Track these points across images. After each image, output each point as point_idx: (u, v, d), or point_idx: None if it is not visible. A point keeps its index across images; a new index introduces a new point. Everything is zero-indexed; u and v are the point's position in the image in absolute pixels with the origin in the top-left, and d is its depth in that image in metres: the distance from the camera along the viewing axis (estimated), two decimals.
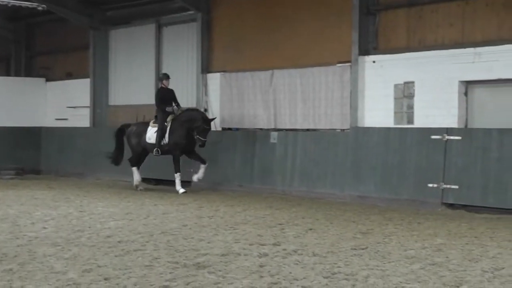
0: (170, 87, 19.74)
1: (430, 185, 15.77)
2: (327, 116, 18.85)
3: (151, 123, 19.98)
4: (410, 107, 17.28)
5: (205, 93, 21.99)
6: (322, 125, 18.94)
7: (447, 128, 15.96)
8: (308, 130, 19.17)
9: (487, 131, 15.40)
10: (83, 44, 26.01)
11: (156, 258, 9.25)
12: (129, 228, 12.18)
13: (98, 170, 23.67)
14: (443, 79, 16.57)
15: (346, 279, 8.05)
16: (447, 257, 9.52)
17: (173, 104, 19.58)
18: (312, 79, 19.24)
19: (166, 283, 7.74)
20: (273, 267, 8.73)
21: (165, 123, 19.46)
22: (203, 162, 19.22)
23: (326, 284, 7.75)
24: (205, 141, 18.88)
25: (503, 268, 8.75)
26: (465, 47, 16.33)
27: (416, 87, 17.18)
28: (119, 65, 25.14)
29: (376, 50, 18.18)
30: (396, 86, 17.52)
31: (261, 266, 8.75)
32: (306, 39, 19.47)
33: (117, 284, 7.75)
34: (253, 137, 20.15)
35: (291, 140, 19.21)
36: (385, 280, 7.97)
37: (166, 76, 20.02)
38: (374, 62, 17.97)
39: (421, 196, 16.00)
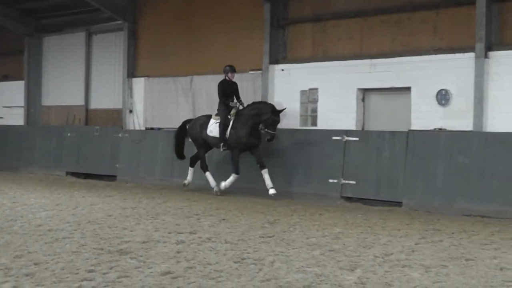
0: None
1: (331, 180, 15.94)
2: None
3: (213, 116, 17.29)
4: (314, 111, 17.52)
5: (130, 95, 21.89)
6: None
7: (346, 130, 16.16)
8: None
9: (381, 133, 15.65)
10: (19, 49, 25.65)
11: (83, 245, 9.14)
12: (58, 217, 11.98)
13: (31, 165, 23.27)
14: (343, 86, 16.83)
15: (254, 263, 8.09)
16: (344, 244, 9.64)
17: (235, 100, 16.90)
18: None
19: (91, 268, 7.65)
20: (189, 253, 8.72)
21: (228, 117, 16.77)
22: (263, 166, 16.33)
23: (236, 268, 7.78)
24: (274, 134, 16.07)
25: (392, 254, 8.91)
26: (362, 59, 16.62)
27: (319, 93, 17.43)
28: (51, 69, 24.90)
29: (285, 60, 18.36)
30: (302, 92, 17.76)
31: (178, 252, 8.73)
32: (222, 48, 19.53)
33: (46, 268, 7.63)
34: (173, 136, 20.04)
35: None
36: (289, 265, 8.03)
37: (232, 69, 17.05)
38: (283, 70, 18.15)
39: (323, 191, 16.15)
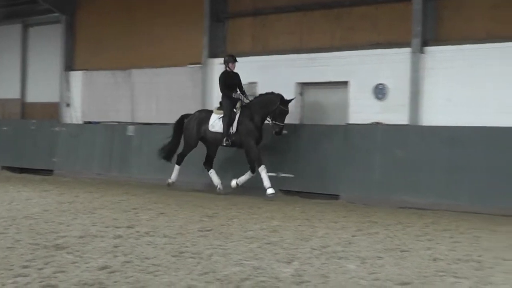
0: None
1: (269, 174, 16.02)
2: (179, 111, 18.83)
3: (214, 110, 16.31)
4: None
5: (67, 89, 21.63)
6: (174, 119, 18.88)
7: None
8: (162, 124, 19.13)
9: (319, 127, 15.85)
10: None
11: (18, 241, 9.01)
12: None
13: None
14: (282, 80, 16.87)
15: (192, 257, 8.10)
16: (281, 237, 9.71)
17: (238, 91, 15.97)
18: (167, 78, 19.28)
19: (26, 263, 7.55)
20: (127, 247, 8.68)
21: (234, 110, 15.76)
22: (259, 164, 15.23)
23: (174, 262, 7.78)
24: (283, 126, 15.18)
25: (329, 246, 9.01)
26: (302, 53, 16.72)
27: (259, 87, 17.43)
28: None
29: (225, 53, 18.32)
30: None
31: (115, 247, 8.69)
32: (161, 42, 19.47)
33: None
34: (111, 130, 19.98)
35: (146, 133, 19.17)
36: (227, 258, 8.06)
37: (233, 59, 16.12)
38: (222, 64, 18.13)
39: (261, 184, 16.16)
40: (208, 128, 16.11)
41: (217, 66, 18.17)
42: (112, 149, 19.78)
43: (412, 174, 14.34)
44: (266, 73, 17.17)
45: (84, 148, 20.32)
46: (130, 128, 19.56)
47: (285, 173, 15.78)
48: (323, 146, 15.48)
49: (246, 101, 15.82)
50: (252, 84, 17.57)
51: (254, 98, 15.82)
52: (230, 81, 15.98)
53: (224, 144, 15.77)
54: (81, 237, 9.39)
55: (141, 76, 19.92)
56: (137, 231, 9.97)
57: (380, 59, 15.57)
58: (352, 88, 16.01)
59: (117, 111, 20.30)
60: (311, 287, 6.64)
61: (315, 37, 16.94)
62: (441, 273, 7.40)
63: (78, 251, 8.37)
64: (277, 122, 15.13)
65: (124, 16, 20.50)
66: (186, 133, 16.68)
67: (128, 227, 10.38)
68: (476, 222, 12.00)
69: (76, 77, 21.56)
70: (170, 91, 19.21)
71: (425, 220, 12.02)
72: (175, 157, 16.96)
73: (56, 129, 21.11)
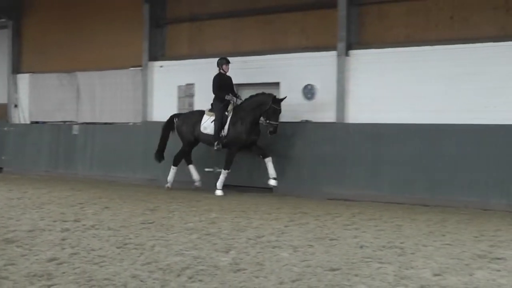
0: None
1: (207, 169, 16.00)
2: (122, 111, 18.72)
3: (206, 111, 15.44)
4: (191, 104, 17.45)
5: (15, 91, 21.20)
6: (117, 119, 18.79)
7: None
8: (105, 123, 18.94)
9: None
10: None
11: None
12: None
13: None
14: None
15: (135, 248, 8.00)
16: (219, 228, 9.68)
17: (230, 94, 15.16)
18: (109, 80, 19.05)
19: None
20: (74, 240, 8.54)
21: (225, 113, 14.99)
22: (266, 155, 14.65)
23: (119, 253, 7.68)
24: (277, 125, 14.45)
25: (264, 236, 9.01)
26: (236, 56, 16.64)
27: (196, 88, 17.38)
28: None
29: (164, 57, 18.23)
30: (179, 87, 17.66)
31: (63, 240, 8.53)
32: (104, 46, 19.21)
33: None
34: (57, 130, 19.70)
35: (90, 132, 18.97)
36: (168, 248, 7.99)
37: (226, 61, 15.31)
38: (161, 67, 18.01)
39: (200, 178, 16.15)
40: (200, 129, 15.32)
41: (157, 68, 18.05)
42: (58, 147, 19.52)
43: (340, 168, 14.47)
44: (203, 75, 17.06)
45: (32, 147, 20.03)
46: (75, 128, 19.33)
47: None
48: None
49: (238, 102, 15.11)
50: (190, 85, 17.49)
51: (245, 100, 15.04)
52: (223, 83, 15.19)
53: (215, 148, 14.93)
54: (30, 231, 9.19)
55: (86, 79, 19.63)
56: (83, 225, 9.82)
57: (309, 62, 15.63)
58: (283, 89, 16.01)
59: (63, 112, 20.00)
60: (248, 275, 6.61)
61: (248, 41, 16.94)
62: (367, 259, 7.46)
63: (27, 244, 8.20)
64: (271, 122, 14.46)
65: (69, 22, 20.17)
66: (181, 133, 15.75)
67: (75, 220, 10.21)
68: (398, 212, 12.16)
69: (24, 79, 21.14)
70: (113, 93, 18.99)
71: (352, 211, 12.13)
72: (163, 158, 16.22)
73: (5, 128, 20.74)
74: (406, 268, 6.98)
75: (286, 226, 10.00)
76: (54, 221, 10.12)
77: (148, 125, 17.83)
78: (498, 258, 7.60)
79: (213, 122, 15.01)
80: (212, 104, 15.28)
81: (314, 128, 15.15)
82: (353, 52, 15.07)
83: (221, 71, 15.26)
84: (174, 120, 15.98)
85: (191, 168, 15.83)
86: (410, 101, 14.21)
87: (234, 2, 17.21)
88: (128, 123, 18.54)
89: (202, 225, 9.96)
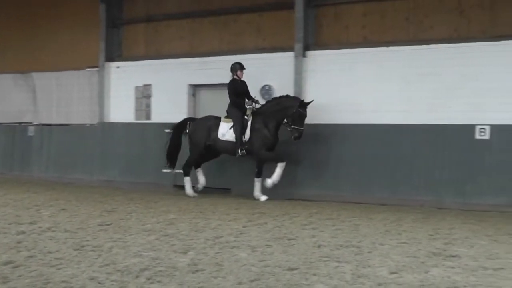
0: None
1: (165, 170, 15.96)
2: (78, 112, 18.58)
3: (222, 118, 14.59)
4: (148, 105, 17.39)
5: None
6: (74, 120, 18.64)
7: None
8: (61, 124, 18.77)
9: None
10: None
11: None
12: None
13: None
14: (175, 82, 16.82)
15: (93, 250, 7.95)
16: (177, 229, 9.66)
17: (247, 100, 14.46)
18: (66, 81, 18.89)
19: None
20: (30, 242, 8.44)
21: (245, 117, 14.21)
22: (281, 159, 13.85)
23: (76, 256, 7.62)
24: (303, 130, 13.70)
25: (222, 236, 9.02)
26: (193, 57, 16.67)
27: (153, 89, 17.32)
28: None
29: (120, 58, 18.12)
30: (136, 88, 17.57)
31: (18, 242, 8.43)
32: (61, 46, 19.04)
33: None
34: (13, 131, 19.48)
35: (46, 133, 18.79)
36: (126, 250, 7.96)
37: (241, 66, 14.61)
38: (118, 67, 17.91)
39: (157, 180, 16.16)
40: (217, 136, 14.46)
41: (113, 69, 17.95)
42: (13, 149, 19.30)
43: (297, 168, 14.54)
44: (160, 76, 17.08)
45: None
46: (31, 129, 19.12)
47: (180, 169, 15.71)
48: None
49: (258, 106, 14.40)
50: (147, 86, 17.42)
51: (267, 102, 14.36)
52: (239, 90, 14.49)
53: (240, 154, 14.04)
54: None
55: (42, 79, 19.43)
56: (40, 227, 9.71)
57: (266, 63, 15.69)
58: None
59: (18, 113, 19.77)
60: (206, 275, 6.63)
61: (205, 42, 16.94)
62: (325, 258, 7.52)
63: None
64: (296, 127, 13.72)
65: (25, 22, 19.94)
66: (194, 139, 14.86)
67: (31, 223, 10.10)
68: (356, 211, 12.28)
69: None
70: (69, 94, 18.83)
71: (309, 210, 12.21)
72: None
73: None
74: (363, 267, 7.06)
75: (244, 227, 10.03)
76: (10, 224, 9.98)
77: (105, 126, 17.73)
78: (453, 256, 7.73)
79: (231, 129, 14.23)
80: (227, 111, 14.50)
81: None
82: (310, 53, 15.17)
83: (235, 77, 14.59)
84: (188, 124, 15.11)
85: (199, 172, 15.05)
86: (367, 102, 14.35)
87: (191, 3, 17.20)
88: (84, 124, 18.40)
89: (160, 226, 9.94)
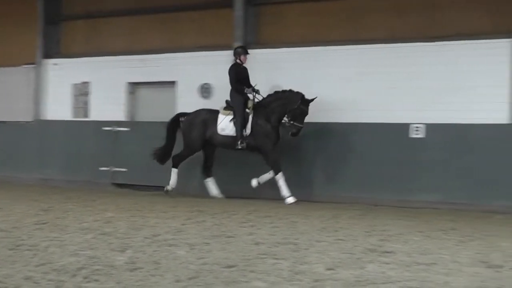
0: None
1: (102, 168, 15.83)
2: (15, 110, 18.25)
3: (221, 110, 13.91)
4: (86, 103, 17.22)
5: None
6: (10, 117, 18.30)
7: (117, 121, 16.14)
8: None
9: (150, 124, 15.83)
10: None
11: None
12: None
13: None
14: (114, 80, 16.71)
15: (29, 249, 7.82)
16: (115, 227, 9.57)
17: (250, 88, 13.77)
18: (2, 78, 18.56)
19: None
20: None
21: (247, 110, 13.64)
22: (277, 171, 13.39)
23: (11, 255, 7.48)
24: (301, 128, 13.27)
25: (160, 235, 8.97)
26: (132, 54, 16.57)
27: (91, 87, 17.15)
28: None
29: (58, 55, 17.90)
30: (74, 85, 17.39)
31: None
32: None
33: None
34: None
35: None
36: (63, 249, 7.85)
37: (245, 51, 13.97)
38: (56, 64, 17.67)
39: (95, 178, 16.02)
40: (216, 131, 13.86)
41: (51, 66, 17.72)
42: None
43: (235, 166, 14.55)
44: (99, 73, 16.93)
45: None
46: None
47: (118, 168, 15.63)
48: (154, 142, 15.43)
49: (259, 97, 13.81)
50: (85, 83, 17.24)
51: (268, 96, 13.74)
52: (240, 75, 13.86)
53: (240, 147, 13.51)
54: None
55: None
56: None
57: (206, 61, 15.69)
58: (180, 87, 16.05)
59: None
60: (144, 273, 6.59)
61: (146, 40, 16.86)
62: (262, 256, 7.55)
63: None
64: (295, 123, 13.24)
65: None
66: (188, 136, 14.23)
67: None
68: (293, 209, 12.37)
69: None
70: (5, 91, 18.49)
71: (248, 208, 12.23)
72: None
73: None
74: (301, 264, 7.11)
75: (182, 225, 10.00)
76: None
77: (42, 124, 17.47)
78: (388, 252, 7.85)
79: (231, 121, 13.66)
80: (227, 101, 13.92)
81: None
82: (250, 51, 15.20)
83: (238, 61, 13.97)
84: (180, 120, 14.53)
85: (210, 183, 14.41)
86: None
87: (131, 0, 17.08)
88: (21, 121, 18.09)
89: (98, 225, 9.84)
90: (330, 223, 10.41)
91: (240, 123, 13.45)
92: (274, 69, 14.90)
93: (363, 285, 6.12)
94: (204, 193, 14.33)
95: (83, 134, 16.61)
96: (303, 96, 13.34)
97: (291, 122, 13.30)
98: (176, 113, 14.95)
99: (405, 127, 13.35)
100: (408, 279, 6.38)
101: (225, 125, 13.71)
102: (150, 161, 15.17)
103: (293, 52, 14.74)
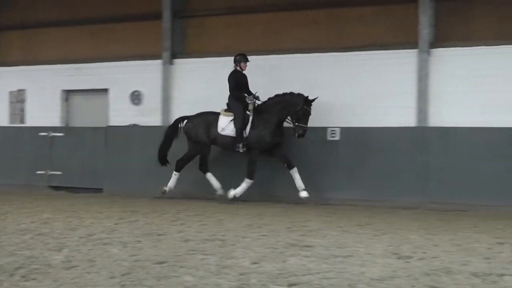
0: None
1: (39, 172, 15.52)
2: None
3: (222, 112, 13.37)
4: (22, 110, 16.87)
5: None
6: None
7: (52, 127, 15.90)
8: None
9: (83, 129, 15.69)
10: None
11: None
12: None
13: None
14: (49, 88, 16.52)
15: None
16: (51, 228, 9.38)
17: (251, 96, 13.15)
18: None
19: None
20: None
21: (247, 112, 13.09)
22: (291, 166, 12.98)
23: None
24: (307, 128, 12.79)
25: (95, 234, 8.84)
26: (67, 63, 16.38)
27: (27, 94, 16.84)
28: None
29: None
30: (11, 93, 17.04)
31: None
32: None
33: None
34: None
35: None
36: (1, 249, 7.61)
37: (245, 59, 13.37)
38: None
39: (32, 181, 15.69)
40: (217, 131, 13.31)
41: None
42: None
43: (166, 167, 14.46)
44: (35, 82, 16.67)
45: None
46: None
47: (54, 171, 15.35)
48: (87, 146, 15.30)
49: (259, 102, 13.25)
50: (21, 91, 16.90)
51: (269, 99, 13.16)
52: (241, 82, 13.31)
53: (241, 151, 12.97)
54: None
55: None
56: None
57: (137, 70, 15.64)
58: (112, 95, 15.95)
59: None
60: (80, 271, 6.49)
61: (80, 49, 16.68)
62: (191, 252, 7.53)
63: None
64: (300, 124, 12.74)
65: None
66: (194, 138, 13.55)
67: None
68: (221, 207, 12.38)
69: None
70: None
71: (178, 207, 12.19)
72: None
73: None
74: (227, 258, 7.12)
75: (116, 224, 9.89)
76: None
77: None
78: (308, 246, 7.94)
79: (231, 122, 13.12)
80: (228, 104, 13.32)
81: (142, 131, 15.15)
82: (177, 61, 15.26)
83: (238, 68, 13.38)
84: (179, 125, 13.83)
85: (210, 176, 13.66)
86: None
87: (65, 11, 16.89)
88: None
89: (35, 226, 9.63)
90: (254, 220, 10.46)
91: (240, 127, 12.94)
92: (200, 78, 14.96)
93: (285, 277, 6.18)
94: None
95: (20, 139, 16.23)
96: (305, 97, 12.88)
97: (296, 123, 12.82)
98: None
99: (322, 130, 13.51)
100: (326, 270, 6.47)
101: (225, 125, 13.18)
102: (84, 164, 15.02)
103: (217, 62, 14.78)
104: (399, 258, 7.18)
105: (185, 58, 15.25)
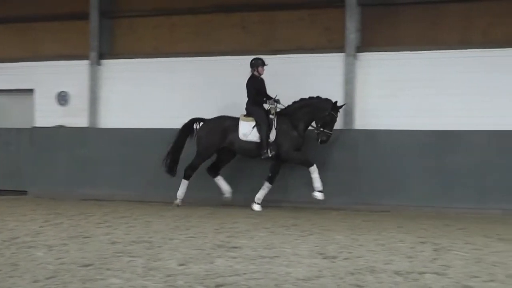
0: None
1: None
2: None
3: (241, 117, 12.60)
4: None
5: None
6: None
7: None
8: None
9: (8, 130, 15.36)
10: None
11: None
12: None
13: None
14: None
15: None
16: None
17: (271, 100, 12.57)
18: None
19: None
20: None
21: (271, 116, 12.43)
22: (310, 163, 12.29)
23: None
24: (331, 135, 12.34)
25: (19, 237, 8.65)
26: None
27: None
28: None
29: None
30: None
31: None
32: None
33: None
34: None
35: None
36: None
37: (263, 63, 12.66)
38: None
39: None
40: (238, 137, 12.53)
41: None
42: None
43: (92, 169, 14.32)
44: None
45: None
46: None
47: None
48: (12, 147, 14.99)
49: (281, 106, 12.66)
50: None
51: (294, 102, 12.58)
52: (260, 87, 12.75)
53: (270, 155, 12.27)
54: None
55: None
56: None
57: (63, 70, 15.44)
58: (37, 95, 15.69)
59: None
60: (2, 275, 6.36)
61: (3, 48, 16.34)
62: (118, 254, 7.47)
63: None
64: (326, 130, 12.27)
65: None
66: (203, 142, 12.80)
67: None
68: (148, 209, 12.31)
69: None
70: None
71: (104, 210, 12.07)
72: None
73: None
74: (154, 260, 7.10)
75: (41, 227, 9.71)
76: None
77: None
78: (235, 247, 7.99)
79: (254, 128, 12.47)
80: (247, 109, 12.70)
81: (68, 133, 14.93)
82: (105, 62, 15.11)
83: (255, 73, 12.75)
84: (195, 126, 13.02)
85: (219, 180, 12.98)
86: (158, 108, 14.49)
87: None
88: None
89: None
90: (182, 222, 10.44)
91: (265, 132, 12.33)
92: (128, 79, 14.89)
93: (212, 278, 6.20)
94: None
95: None
96: (334, 102, 12.41)
97: (321, 129, 12.35)
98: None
99: None
100: (253, 271, 6.53)
101: (248, 130, 12.49)
102: (8, 166, 14.74)
103: (146, 63, 14.80)
104: (324, 258, 7.30)
105: (113, 59, 15.12)
